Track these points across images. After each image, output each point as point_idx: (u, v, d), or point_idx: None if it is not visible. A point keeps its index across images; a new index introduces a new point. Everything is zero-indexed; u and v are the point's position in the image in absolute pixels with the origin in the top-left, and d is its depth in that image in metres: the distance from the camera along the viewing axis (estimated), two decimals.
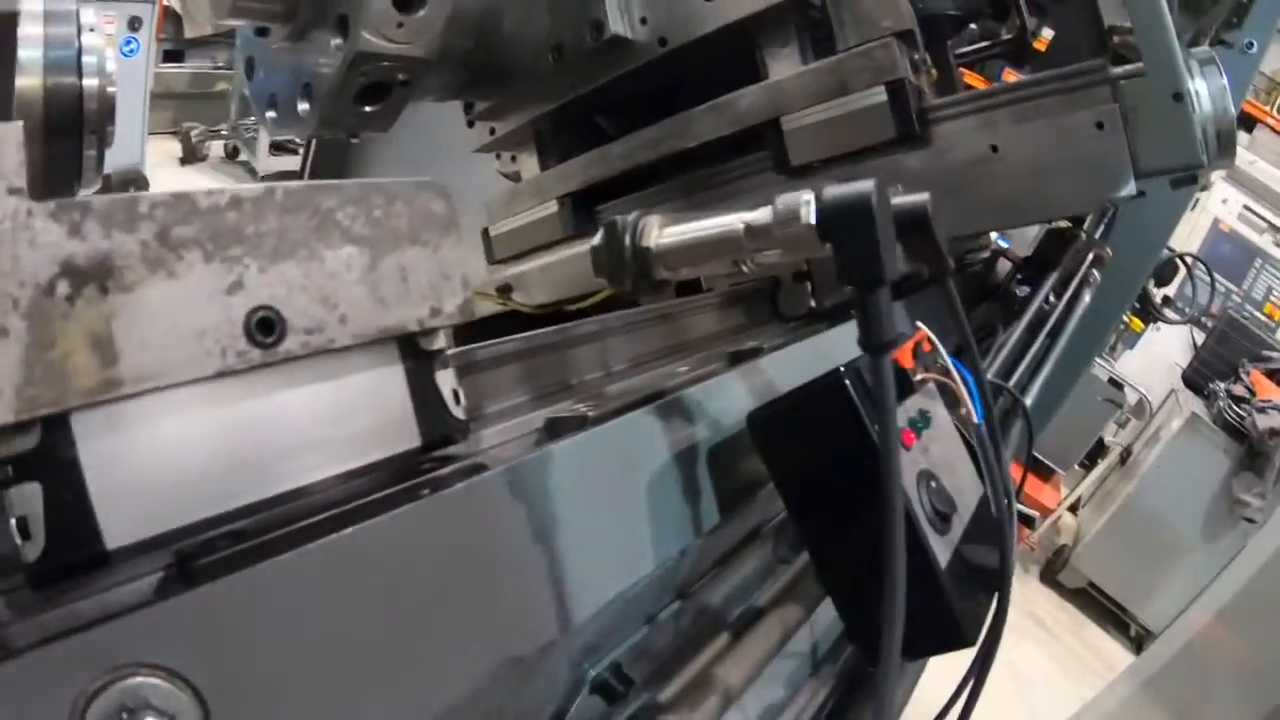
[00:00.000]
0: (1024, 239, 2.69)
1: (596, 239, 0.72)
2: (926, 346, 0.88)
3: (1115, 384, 5.56)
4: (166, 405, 0.51)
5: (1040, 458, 5.58)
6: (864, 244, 0.57)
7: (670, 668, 0.88)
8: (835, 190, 0.59)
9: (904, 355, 0.84)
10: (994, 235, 2.56)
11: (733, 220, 0.65)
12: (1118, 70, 1.50)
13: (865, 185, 0.57)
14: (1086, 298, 2.14)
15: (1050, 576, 5.55)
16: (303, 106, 1.68)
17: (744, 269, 0.73)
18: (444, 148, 2.44)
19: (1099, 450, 5.96)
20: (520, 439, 0.76)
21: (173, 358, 0.50)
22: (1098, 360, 5.08)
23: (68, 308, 0.46)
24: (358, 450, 0.60)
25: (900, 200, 0.67)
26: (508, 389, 0.84)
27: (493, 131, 2.22)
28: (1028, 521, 5.53)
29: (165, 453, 0.51)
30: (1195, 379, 5.69)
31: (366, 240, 0.60)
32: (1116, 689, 3.87)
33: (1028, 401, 1.81)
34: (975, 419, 0.84)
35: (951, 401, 0.94)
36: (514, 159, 2.36)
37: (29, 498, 0.46)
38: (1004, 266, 2.51)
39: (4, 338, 0.44)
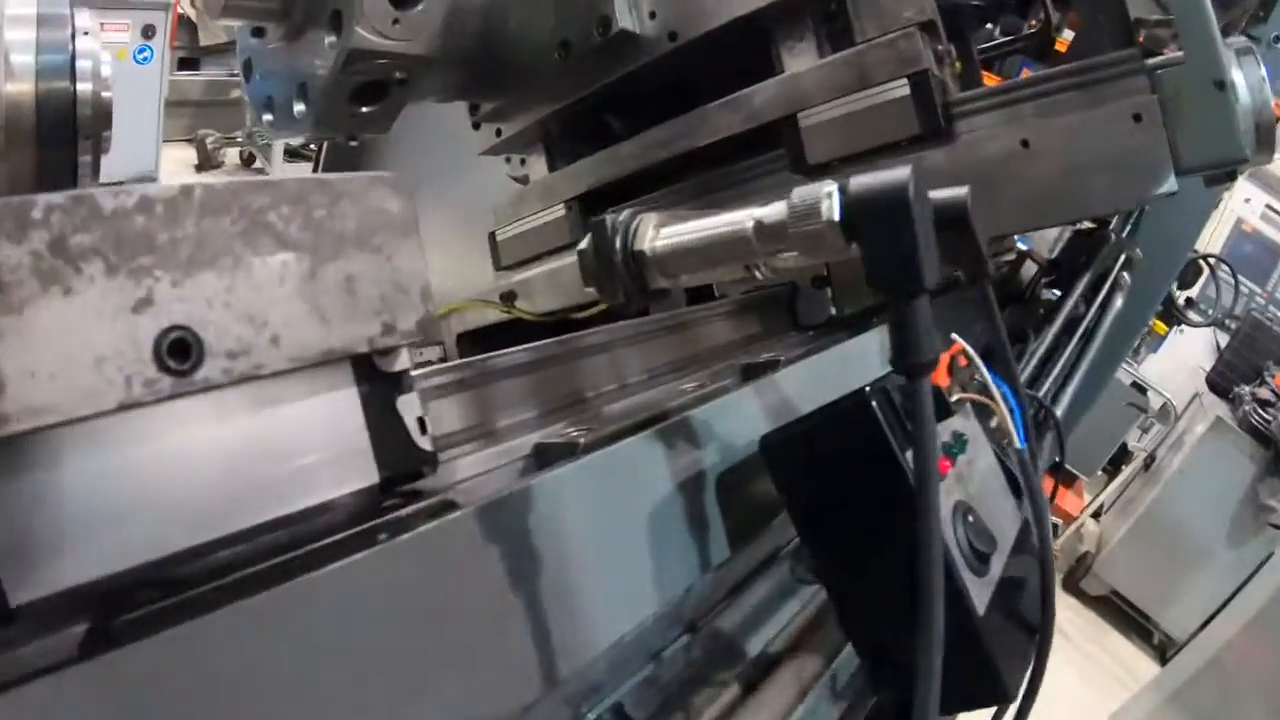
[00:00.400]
0: (1044, 240, 2.60)
1: (584, 242, 0.64)
2: (963, 361, 0.79)
3: (1139, 388, 5.45)
4: (72, 443, 0.44)
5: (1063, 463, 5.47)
6: (899, 244, 0.48)
7: (676, 709, 0.80)
8: (864, 180, 0.49)
9: (938, 372, 0.75)
10: (1015, 236, 2.48)
11: (741, 218, 0.56)
12: (1155, 59, 1.41)
13: (899, 173, 0.48)
14: (1119, 302, 2.04)
15: (1073, 584, 5.43)
16: (298, 107, 1.62)
17: (756, 274, 0.65)
18: (463, 151, 2.37)
19: (1122, 455, 5.85)
20: (504, 469, 0.67)
21: (67, 389, 0.42)
22: (1122, 364, 4.98)
23: None
24: (301, 490, 0.52)
25: (937, 194, 0.58)
26: (494, 411, 0.75)
27: (499, 133, 2.15)
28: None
29: (74, 496, 0.44)
30: (1219, 382, 5.57)
31: (304, 246, 0.51)
32: (1143, 700, 3.78)
33: (1058, 411, 1.71)
34: (1018, 444, 0.75)
35: (986, 419, 0.86)
36: (523, 161, 2.29)
37: None
38: (1029, 269, 2.42)
39: None
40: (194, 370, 0.46)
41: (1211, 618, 4.61)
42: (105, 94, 1.03)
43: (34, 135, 0.94)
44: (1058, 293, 2.08)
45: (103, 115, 1.02)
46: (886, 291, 0.49)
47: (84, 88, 0.99)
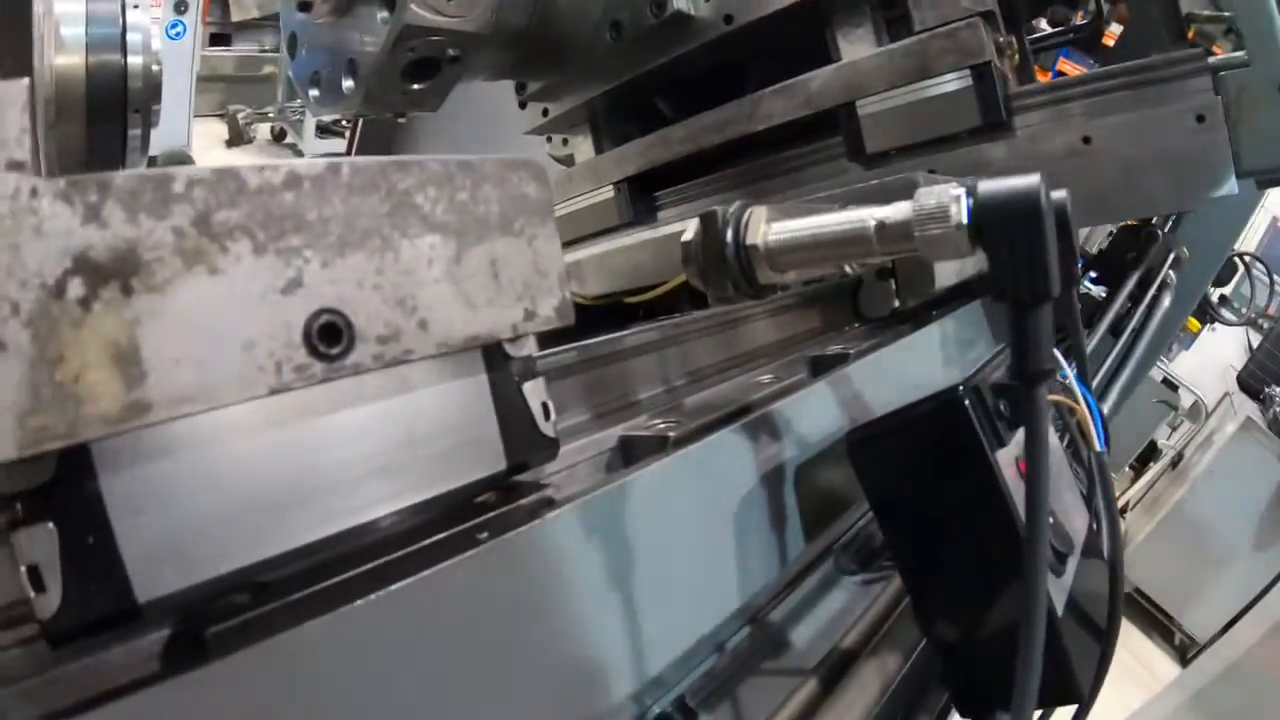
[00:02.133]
0: (1078, 233, 2.56)
1: (689, 232, 0.63)
2: None
3: (1170, 385, 5.40)
4: (209, 430, 0.42)
5: None
6: (1029, 251, 0.47)
7: (734, 700, 0.80)
8: (994, 185, 0.49)
9: None
10: None
11: (863, 216, 0.55)
12: (1218, 58, 1.39)
13: (1031, 180, 0.48)
14: (1166, 301, 2.02)
15: None
16: (347, 84, 1.62)
17: (848, 270, 0.64)
18: (497, 130, 2.36)
19: (1151, 453, 5.81)
20: (591, 461, 0.67)
21: (215, 375, 0.40)
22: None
23: (82, 313, 0.36)
24: (435, 477, 0.51)
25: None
26: (572, 402, 0.74)
27: (546, 113, 2.15)
28: None
29: (208, 487, 0.42)
30: (1250, 382, 5.52)
31: (450, 229, 0.50)
32: (1163, 701, 3.76)
33: (1104, 410, 1.70)
34: (1098, 447, 0.75)
35: (1060, 420, 0.85)
36: (566, 142, 2.28)
37: (42, 541, 0.37)
38: None
39: (1, 353, 0.34)
40: (345, 355, 0.44)
41: (1235, 620, 4.59)
42: (155, 67, 1.02)
43: (84, 108, 0.93)
44: (1093, 286, 2.07)
45: (152, 88, 1.01)
46: (1012, 299, 0.48)
47: (134, 61, 0.98)
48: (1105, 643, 0.81)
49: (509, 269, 0.53)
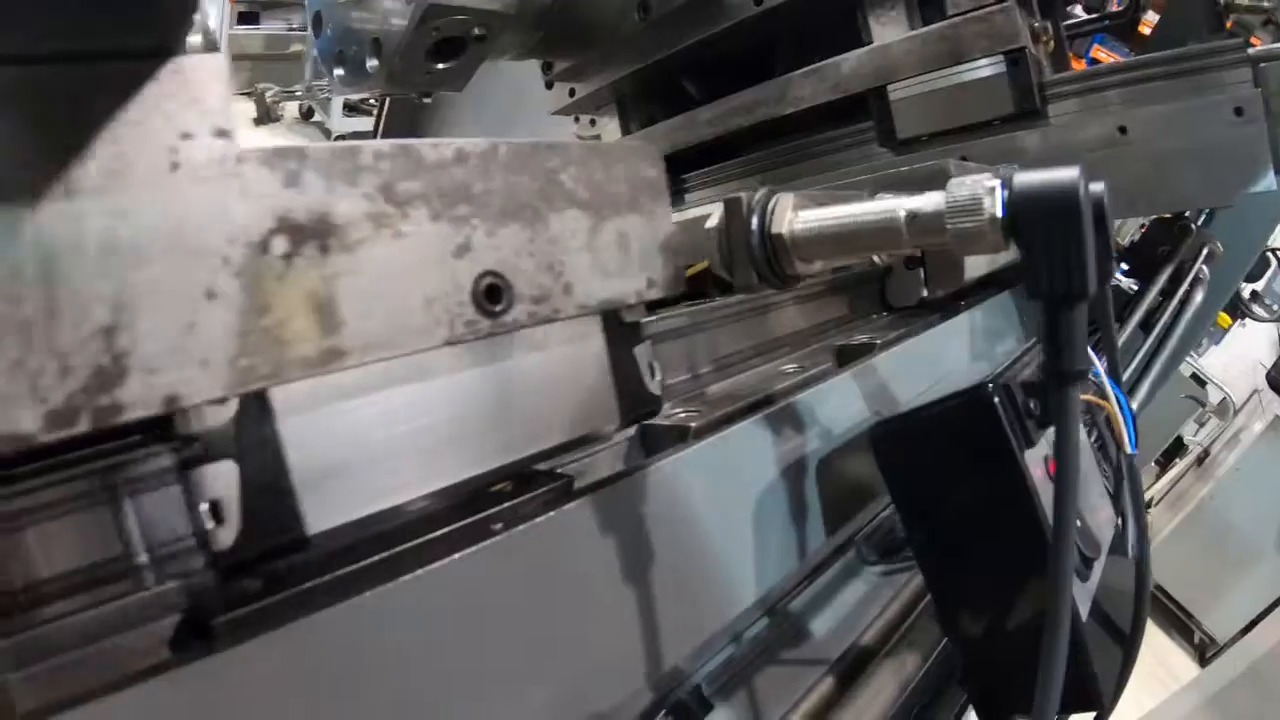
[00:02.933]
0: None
1: (713, 219, 0.61)
2: None
3: (1198, 380, 5.32)
4: (372, 379, 0.47)
5: None
6: (1066, 247, 0.45)
7: (750, 690, 0.79)
8: (1031, 177, 0.47)
9: None
10: None
11: (893, 207, 0.53)
12: (1258, 49, 1.35)
13: (1069, 173, 0.46)
14: (1199, 297, 1.97)
15: None
16: (371, 63, 1.60)
17: (876, 260, 0.62)
18: (526, 110, 2.34)
19: (1177, 448, 5.73)
20: (611, 449, 0.66)
21: (399, 326, 0.44)
22: None
23: (285, 268, 0.40)
24: (563, 427, 0.56)
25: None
26: None
27: (572, 93, 2.13)
28: None
29: (369, 430, 0.47)
30: None
31: (588, 204, 0.55)
32: (1180, 700, 3.72)
33: (1134, 406, 1.67)
34: (1129, 449, 0.73)
35: (1088, 416, 0.83)
36: (593, 122, 2.26)
37: (225, 477, 0.41)
38: None
39: (213, 300, 0.38)
40: (505, 312, 0.49)
41: (1255, 622, 4.54)
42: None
43: None
44: (1124, 279, 2.02)
45: None
46: (1047, 296, 0.46)
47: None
48: (1128, 648, 0.79)
49: (634, 241, 0.58)
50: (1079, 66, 1.78)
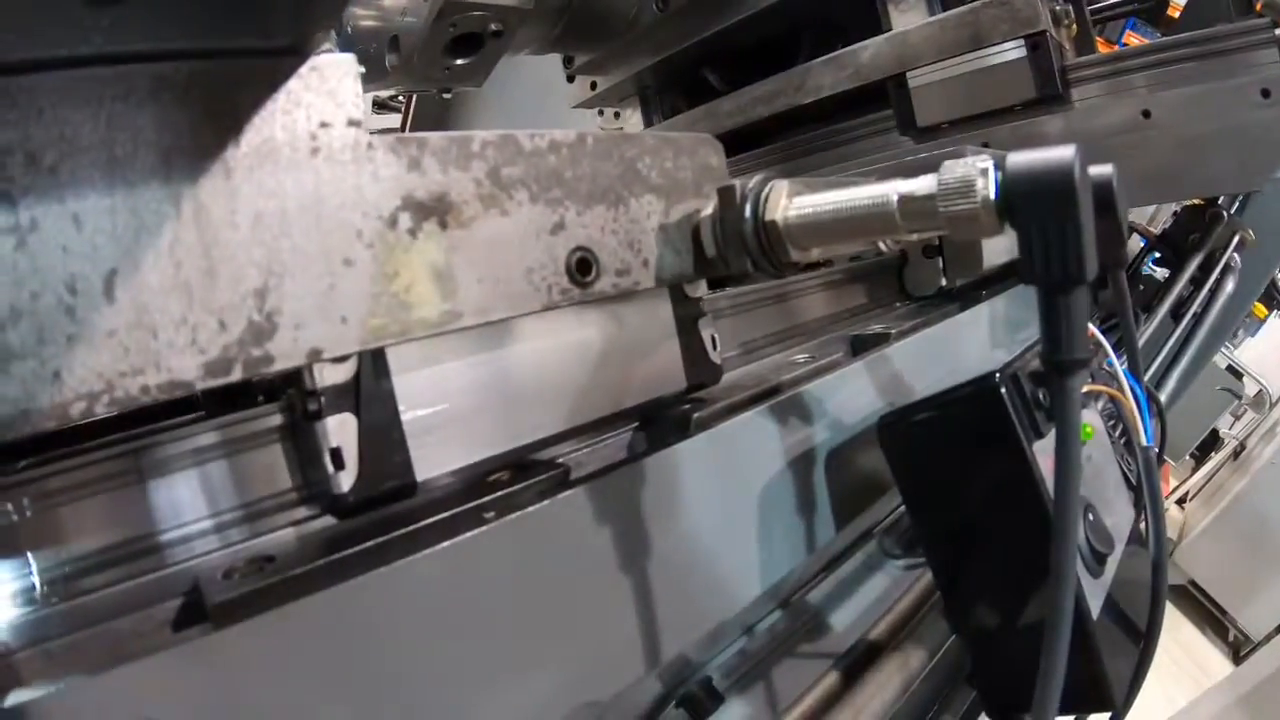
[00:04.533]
0: (1143, 212, 2.47)
1: (708, 208, 0.61)
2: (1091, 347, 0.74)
3: (1234, 372, 5.20)
4: (472, 341, 0.53)
5: None
6: (1062, 231, 0.43)
7: (763, 683, 0.79)
8: (1023, 158, 0.45)
9: None
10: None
11: (886, 191, 0.51)
12: None
13: (1064, 152, 0.44)
14: (1230, 285, 1.93)
15: None
16: (390, 60, 1.61)
17: (883, 246, 0.61)
18: (554, 102, 2.34)
19: (1213, 441, 5.62)
20: (613, 439, 0.66)
21: (506, 293, 0.51)
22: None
23: (410, 240, 0.47)
24: (637, 392, 0.63)
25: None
26: None
27: (594, 86, 2.13)
28: None
29: (472, 388, 0.53)
30: None
31: (662, 190, 0.62)
32: (1212, 698, 3.65)
33: (1162, 397, 1.64)
34: (1144, 441, 0.71)
35: (1109, 410, 0.81)
36: (616, 115, 2.26)
37: (346, 428, 0.47)
38: (1134, 244, 2.31)
39: (349, 267, 0.44)
40: (594, 283, 0.56)
41: None
42: None
43: None
44: (1156, 269, 1.98)
45: None
46: (1042, 282, 0.45)
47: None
48: (1145, 647, 0.77)
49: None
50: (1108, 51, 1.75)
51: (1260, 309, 5.09)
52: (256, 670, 0.39)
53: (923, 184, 0.50)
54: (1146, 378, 1.65)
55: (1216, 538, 4.93)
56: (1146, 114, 1.33)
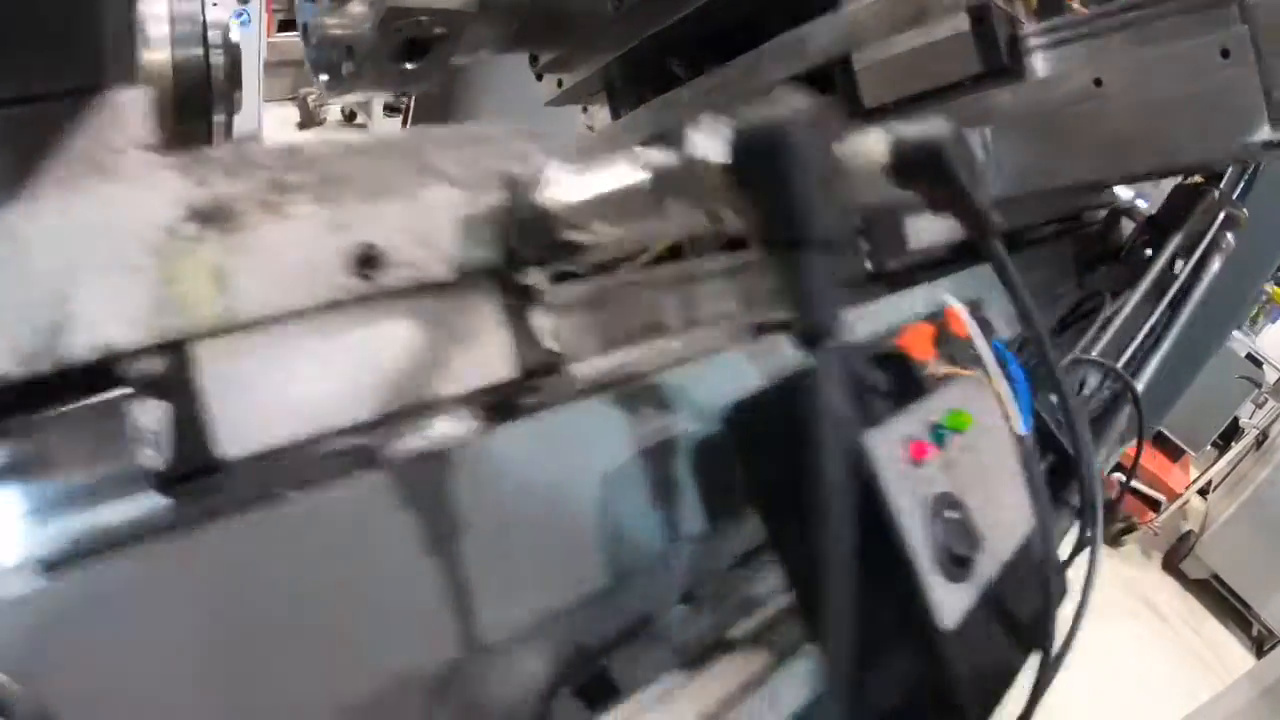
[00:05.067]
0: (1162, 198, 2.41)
1: (492, 197, 0.58)
2: (958, 330, 0.69)
3: (1254, 360, 5.06)
4: (276, 333, 0.55)
5: (1170, 436, 5.17)
6: (786, 188, 0.40)
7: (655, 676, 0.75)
8: (753, 118, 0.42)
9: (920, 342, 0.66)
10: (1125, 193, 2.30)
11: (640, 166, 0.48)
12: None
13: (787, 108, 0.41)
14: (1216, 264, 1.85)
15: (1172, 564, 5.13)
16: (346, 67, 1.60)
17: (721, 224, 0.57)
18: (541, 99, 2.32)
19: (1234, 431, 5.48)
20: (429, 425, 0.63)
21: (285, 289, 0.54)
22: (1236, 334, 4.63)
23: (192, 246, 0.50)
24: (461, 378, 0.63)
25: (909, 130, 0.51)
26: None
27: (560, 84, 2.10)
28: (1154, 505, 5.15)
29: (274, 378, 0.55)
30: None
31: (462, 183, 0.62)
32: (1234, 693, 3.55)
33: (1140, 385, 1.57)
34: (1019, 428, 0.66)
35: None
36: (585, 110, 2.23)
37: (158, 414, 0.50)
38: (1127, 226, 2.25)
39: (138, 273, 0.48)
40: (379, 278, 0.57)
41: None
42: (234, 59, 1.17)
43: (171, 98, 1.04)
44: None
45: (234, 78, 1.17)
46: (770, 245, 0.42)
47: (215, 54, 1.11)
48: (1043, 663, 0.71)
49: None
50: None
51: None
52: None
53: (668, 155, 0.47)
54: (1122, 362, 1.59)
55: (1240, 529, 4.80)
56: (1098, 82, 1.27)
